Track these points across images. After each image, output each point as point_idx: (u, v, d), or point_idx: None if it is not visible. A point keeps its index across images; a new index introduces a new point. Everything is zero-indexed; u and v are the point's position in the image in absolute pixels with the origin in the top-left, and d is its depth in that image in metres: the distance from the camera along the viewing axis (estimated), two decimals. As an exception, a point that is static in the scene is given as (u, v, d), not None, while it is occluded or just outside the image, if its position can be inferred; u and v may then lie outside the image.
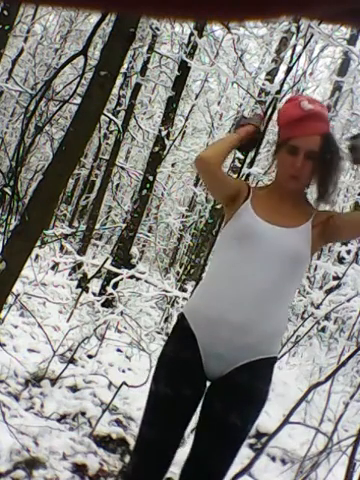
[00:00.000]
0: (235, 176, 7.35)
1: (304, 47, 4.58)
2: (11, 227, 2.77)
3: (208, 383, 1.58)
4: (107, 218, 13.35)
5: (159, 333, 6.63)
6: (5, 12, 5.95)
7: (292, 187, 1.60)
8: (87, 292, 6.59)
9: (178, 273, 10.35)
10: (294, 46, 4.88)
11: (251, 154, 5.66)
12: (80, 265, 7.35)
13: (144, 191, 7.52)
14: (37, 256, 7.78)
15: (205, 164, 1.63)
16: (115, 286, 6.16)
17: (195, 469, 1.53)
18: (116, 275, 6.26)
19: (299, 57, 4.52)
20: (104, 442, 3.00)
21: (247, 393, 1.52)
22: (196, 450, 1.54)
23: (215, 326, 1.51)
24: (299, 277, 1.60)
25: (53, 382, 3.47)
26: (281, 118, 1.63)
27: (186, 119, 10.33)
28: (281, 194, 1.64)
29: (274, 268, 1.52)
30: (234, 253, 1.56)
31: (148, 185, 7.53)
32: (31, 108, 3.82)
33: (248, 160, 5.64)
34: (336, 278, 4.93)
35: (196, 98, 10.62)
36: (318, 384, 3.14)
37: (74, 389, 3.57)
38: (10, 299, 4.06)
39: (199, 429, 1.57)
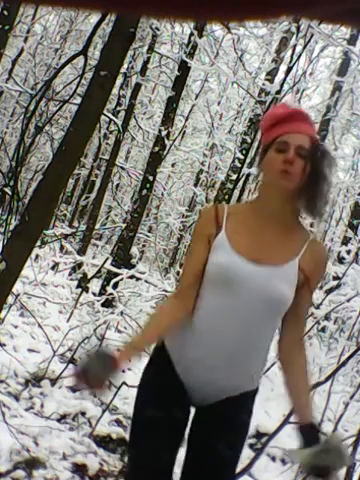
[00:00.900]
0: (235, 176, 7.36)
1: (304, 47, 4.58)
2: (11, 227, 2.77)
3: (192, 409, 1.54)
4: (107, 218, 13.36)
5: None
6: (5, 12, 5.95)
7: (284, 185, 1.40)
8: (87, 292, 6.59)
9: (178, 273, 10.34)
10: (294, 46, 4.88)
11: (251, 154, 5.67)
12: (80, 265, 7.35)
13: (144, 191, 7.52)
14: (37, 256, 7.78)
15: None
16: (115, 286, 6.16)
17: None
18: (116, 275, 6.26)
19: (299, 57, 4.53)
20: (104, 442, 3.00)
21: (232, 424, 1.48)
22: (188, 471, 1.49)
23: (194, 369, 1.45)
24: (281, 316, 1.47)
25: (53, 382, 3.47)
26: (266, 121, 1.50)
27: (186, 119, 10.33)
28: (268, 210, 1.45)
29: (256, 314, 1.40)
30: (213, 296, 1.42)
31: (148, 185, 7.53)
32: (31, 108, 3.82)
33: (248, 160, 5.64)
34: (336, 278, 4.94)
35: (196, 98, 10.62)
36: (318, 384, 3.14)
37: (74, 389, 3.57)
38: (10, 299, 4.06)
39: (188, 459, 1.51)
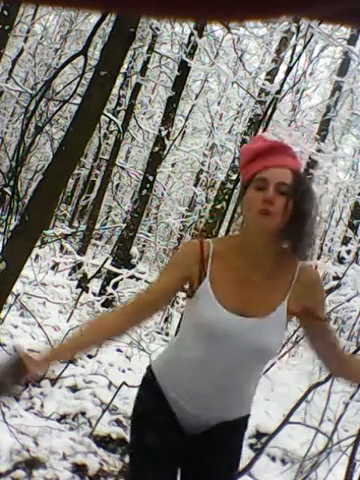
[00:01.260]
0: (235, 176, 7.35)
1: (304, 47, 4.58)
2: (11, 227, 2.77)
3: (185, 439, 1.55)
4: (107, 218, 13.36)
5: (159, 333, 6.64)
6: (5, 12, 5.95)
7: (263, 227, 1.31)
8: (87, 292, 6.59)
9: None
10: (294, 46, 4.88)
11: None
12: (80, 265, 7.35)
13: (144, 191, 7.52)
14: (37, 256, 7.78)
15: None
16: (115, 286, 6.16)
17: None
18: (116, 275, 6.26)
19: (299, 57, 4.53)
20: (104, 442, 3.00)
21: (226, 446, 1.49)
22: None
23: (184, 401, 1.45)
24: (273, 356, 1.45)
25: (53, 382, 3.47)
26: (244, 155, 1.40)
27: (186, 119, 10.33)
28: (251, 251, 1.37)
29: (243, 362, 1.38)
30: (200, 343, 1.38)
31: (148, 185, 7.54)
32: (31, 108, 3.82)
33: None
34: (336, 278, 4.94)
35: (196, 98, 10.62)
36: (318, 384, 3.14)
37: (74, 389, 3.57)
38: (10, 299, 4.06)
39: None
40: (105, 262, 6.17)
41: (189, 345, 1.42)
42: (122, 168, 10.92)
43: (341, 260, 6.35)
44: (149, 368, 1.54)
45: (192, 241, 1.46)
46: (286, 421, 2.90)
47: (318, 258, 8.54)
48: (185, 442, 1.51)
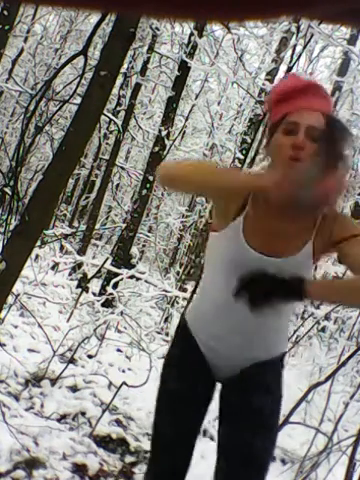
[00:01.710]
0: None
1: (304, 47, 4.58)
2: (11, 227, 2.78)
3: (218, 385, 1.52)
4: (107, 218, 13.36)
5: (159, 333, 6.63)
6: (5, 12, 5.95)
7: (281, 196, 1.25)
8: (87, 292, 6.59)
9: (178, 273, 10.35)
10: (294, 46, 4.88)
11: (251, 154, 5.66)
12: (80, 265, 7.35)
13: (144, 191, 7.53)
14: (37, 256, 7.78)
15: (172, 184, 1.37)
16: (115, 286, 6.16)
17: (236, 460, 1.39)
18: (116, 275, 6.26)
19: (299, 57, 4.53)
20: (104, 442, 3.00)
21: (261, 383, 1.44)
22: (229, 444, 1.42)
23: (213, 344, 1.44)
24: None
25: (53, 382, 3.47)
26: (273, 95, 1.31)
27: (186, 119, 10.33)
28: (275, 208, 1.33)
29: None
30: (223, 285, 1.37)
31: (148, 185, 7.54)
32: (31, 108, 3.82)
33: (248, 160, 5.64)
34: (336, 278, 4.93)
35: (196, 98, 10.62)
36: (318, 384, 3.14)
37: (74, 389, 3.57)
38: (10, 299, 4.06)
39: (225, 426, 1.46)
40: (105, 262, 6.17)
41: (213, 283, 1.42)
42: (122, 168, 10.92)
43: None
44: (182, 315, 1.55)
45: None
46: (286, 421, 2.90)
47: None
48: (221, 387, 1.49)
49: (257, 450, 1.39)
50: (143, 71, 9.37)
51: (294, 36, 5.27)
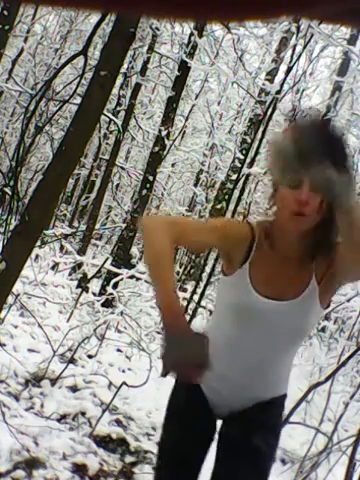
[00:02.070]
0: (235, 176, 7.35)
1: (304, 47, 4.58)
2: (11, 227, 2.77)
3: (219, 421, 1.56)
4: (107, 218, 13.36)
5: (159, 333, 6.63)
6: (5, 12, 5.95)
7: (297, 229, 1.30)
8: (87, 292, 6.59)
9: (178, 273, 10.35)
10: (294, 46, 4.88)
11: (251, 154, 5.66)
12: (80, 265, 7.35)
13: (144, 191, 7.52)
14: (37, 256, 7.78)
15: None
16: (115, 286, 6.16)
17: None
18: (116, 275, 6.26)
19: (299, 57, 4.53)
20: (104, 442, 3.00)
21: (261, 423, 1.47)
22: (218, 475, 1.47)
23: (215, 385, 1.46)
24: (306, 336, 1.49)
25: (53, 382, 3.47)
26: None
27: (186, 119, 10.33)
28: (283, 242, 1.37)
29: (274, 344, 1.40)
30: (231, 326, 1.42)
31: (148, 185, 7.53)
32: (31, 108, 3.82)
33: (248, 160, 5.64)
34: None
35: (196, 98, 10.62)
36: (318, 384, 3.14)
37: (74, 389, 3.57)
38: (10, 299, 4.06)
39: (221, 463, 1.49)
40: (105, 262, 6.17)
41: (222, 324, 1.45)
42: (122, 168, 10.92)
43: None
44: None
45: (245, 225, 1.45)
46: (286, 421, 2.90)
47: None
48: (221, 423, 1.52)
49: None
50: (143, 71, 9.37)
51: (294, 36, 5.27)
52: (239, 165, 7.63)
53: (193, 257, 9.51)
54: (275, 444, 1.49)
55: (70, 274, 8.44)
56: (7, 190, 3.62)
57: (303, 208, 1.25)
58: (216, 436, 1.54)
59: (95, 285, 8.01)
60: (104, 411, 3.12)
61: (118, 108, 9.99)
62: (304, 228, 1.30)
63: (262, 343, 1.40)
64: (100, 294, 6.99)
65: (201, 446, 1.52)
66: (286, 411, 2.93)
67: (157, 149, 7.59)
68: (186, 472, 1.52)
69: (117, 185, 13.17)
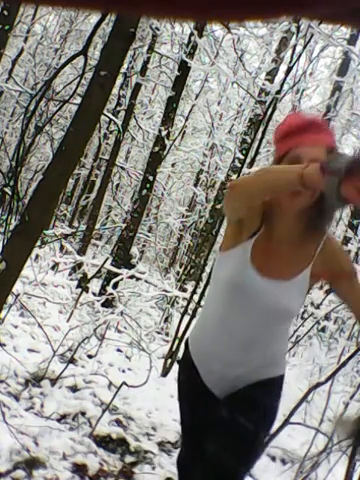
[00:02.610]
0: (235, 176, 7.35)
1: (304, 47, 4.58)
2: (11, 227, 2.77)
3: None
4: (107, 218, 13.36)
5: (159, 333, 6.63)
6: (5, 12, 5.95)
7: (294, 206, 1.36)
8: (87, 292, 6.59)
9: (178, 273, 10.35)
10: (294, 46, 4.88)
11: (251, 154, 5.66)
12: (80, 265, 7.35)
13: (144, 191, 7.52)
14: (37, 256, 7.78)
15: (241, 197, 1.37)
16: (115, 286, 6.16)
17: (210, 471, 1.48)
18: (116, 275, 6.26)
19: (299, 57, 4.53)
20: (104, 442, 3.00)
21: (251, 404, 1.50)
22: (208, 454, 1.50)
23: (208, 361, 1.53)
24: (293, 317, 1.53)
25: (53, 382, 3.47)
26: (278, 132, 1.41)
27: (186, 119, 10.33)
28: (283, 223, 1.42)
29: (263, 322, 1.45)
30: (225, 301, 1.48)
31: (148, 185, 7.53)
32: (31, 108, 3.82)
33: (248, 160, 5.64)
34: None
35: (196, 98, 10.62)
36: (318, 385, 3.14)
37: (74, 389, 3.57)
38: (10, 299, 4.06)
39: (210, 436, 1.54)
40: (105, 262, 6.17)
41: (214, 301, 1.52)
42: (122, 168, 10.92)
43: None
44: (186, 340, 1.67)
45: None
46: (286, 421, 2.90)
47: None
48: (215, 406, 1.56)
49: (234, 469, 1.46)
50: (143, 71, 9.37)
51: (294, 36, 5.28)
52: (239, 165, 7.63)
53: (193, 257, 9.50)
54: (266, 425, 1.51)
55: (70, 274, 8.44)
56: (7, 190, 3.62)
57: None
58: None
59: (95, 285, 8.01)
60: (104, 411, 3.12)
61: (118, 108, 9.99)
62: (300, 205, 1.35)
63: (251, 321, 1.44)
64: (100, 294, 6.99)
65: (204, 418, 1.59)
66: (286, 411, 2.93)
67: (157, 149, 7.58)
68: (197, 447, 1.59)
69: (117, 185, 13.17)
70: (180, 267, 11.79)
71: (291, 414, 2.93)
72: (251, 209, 1.44)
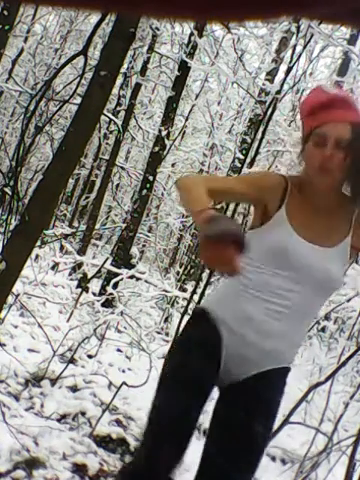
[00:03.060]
0: (235, 176, 7.34)
1: (304, 47, 4.58)
2: (11, 227, 2.77)
3: (217, 389, 1.52)
4: (107, 218, 13.35)
5: (159, 333, 6.64)
6: (5, 12, 5.95)
7: (324, 183, 1.39)
8: (87, 292, 6.59)
9: (178, 273, 10.34)
10: (294, 46, 4.88)
11: (251, 154, 5.65)
12: (80, 265, 7.35)
13: (144, 191, 7.52)
14: (37, 256, 7.78)
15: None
16: (115, 286, 6.16)
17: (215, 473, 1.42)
18: (116, 275, 6.26)
19: (299, 57, 4.53)
20: (104, 442, 3.00)
21: (260, 401, 1.46)
22: (212, 457, 1.45)
23: (242, 330, 1.44)
24: (335, 289, 1.52)
25: (53, 382, 3.47)
26: (303, 108, 1.45)
27: (186, 119, 10.32)
28: (315, 195, 1.45)
29: (308, 291, 1.42)
30: (268, 268, 1.43)
31: (148, 185, 7.53)
32: (31, 108, 3.82)
33: (248, 160, 5.63)
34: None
35: (196, 98, 10.61)
36: (318, 384, 3.14)
37: (74, 389, 3.57)
38: (10, 299, 4.06)
39: (213, 436, 1.48)
40: (105, 262, 6.17)
41: (255, 267, 1.45)
42: (122, 168, 10.92)
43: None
44: (196, 307, 1.62)
45: (278, 174, 1.56)
46: (286, 421, 2.90)
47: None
48: (221, 390, 1.51)
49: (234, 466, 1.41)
50: (143, 71, 9.37)
51: (294, 36, 5.28)
52: (239, 165, 7.63)
53: (193, 257, 9.50)
54: (271, 421, 1.48)
55: (70, 274, 8.43)
56: (7, 190, 3.62)
57: (327, 163, 1.35)
58: (214, 395, 1.50)
59: (95, 285, 8.01)
60: (104, 411, 3.12)
61: (118, 108, 9.98)
62: (330, 181, 1.39)
63: (291, 288, 1.42)
64: (100, 294, 6.99)
65: (203, 389, 1.46)
66: (286, 411, 2.93)
67: (157, 149, 7.58)
68: (185, 411, 1.43)
69: (117, 185, 13.17)
70: (180, 267, 11.79)
71: (291, 414, 2.93)
72: (255, 199, 1.50)
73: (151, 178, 7.50)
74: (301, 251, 1.41)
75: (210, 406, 1.52)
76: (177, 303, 6.98)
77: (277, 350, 1.45)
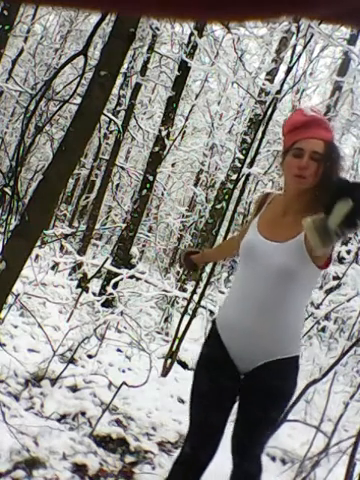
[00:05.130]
0: (235, 176, 7.35)
1: (304, 47, 4.58)
2: (11, 227, 2.77)
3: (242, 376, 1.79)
4: (107, 218, 13.35)
5: (159, 333, 6.63)
6: (5, 12, 5.95)
7: (298, 188, 1.67)
8: (87, 292, 6.58)
9: (178, 273, 10.34)
10: (294, 46, 4.87)
11: (251, 154, 5.65)
12: (80, 265, 7.35)
13: (144, 191, 7.52)
14: (37, 256, 7.78)
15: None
16: (115, 286, 6.16)
17: (236, 445, 1.81)
18: (116, 275, 6.26)
19: (299, 57, 4.52)
20: (104, 442, 3.00)
21: (265, 389, 1.70)
22: (235, 431, 1.80)
23: (232, 332, 1.73)
24: (300, 286, 1.68)
25: (53, 382, 3.47)
26: (286, 126, 1.72)
27: (186, 119, 10.32)
28: (288, 202, 1.73)
29: (268, 282, 1.67)
30: (241, 268, 1.77)
31: (148, 185, 7.53)
32: (31, 108, 3.82)
33: (248, 160, 5.63)
34: (336, 278, 4.94)
35: (196, 98, 10.61)
36: (315, 381, 3.14)
37: (74, 389, 3.57)
38: (10, 299, 4.06)
39: (237, 415, 1.80)
40: (105, 262, 6.16)
41: (237, 271, 1.81)
42: (122, 168, 10.91)
43: (341, 260, 6.35)
44: (213, 318, 1.89)
45: (262, 193, 1.94)
46: (284, 419, 2.90)
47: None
48: (239, 383, 1.77)
49: (245, 440, 1.79)
50: (143, 71, 9.37)
51: (294, 36, 5.27)
52: (239, 165, 7.62)
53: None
54: (276, 408, 1.72)
55: (70, 274, 8.43)
56: (7, 190, 3.62)
57: (303, 171, 1.64)
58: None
59: (95, 285, 8.01)
60: (104, 411, 3.12)
61: (118, 108, 9.98)
62: (304, 187, 1.66)
63: (259, 282, 1.67)
64: (100, 294, 6.99)
65: (225, 397, 1.76)
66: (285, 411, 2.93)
67: (157, 149, 7.58)
68: (212, 419, 1.76)
69: (117, 185, 13.17)
70: (180, 267, 11.78)
71: (288, 412, 2.93)
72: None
73: (151, 178, 7.50)
74: (260, 247, 1.70)
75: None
76: (177, 303, 6.98)
77: (261, 347, 1.68)
